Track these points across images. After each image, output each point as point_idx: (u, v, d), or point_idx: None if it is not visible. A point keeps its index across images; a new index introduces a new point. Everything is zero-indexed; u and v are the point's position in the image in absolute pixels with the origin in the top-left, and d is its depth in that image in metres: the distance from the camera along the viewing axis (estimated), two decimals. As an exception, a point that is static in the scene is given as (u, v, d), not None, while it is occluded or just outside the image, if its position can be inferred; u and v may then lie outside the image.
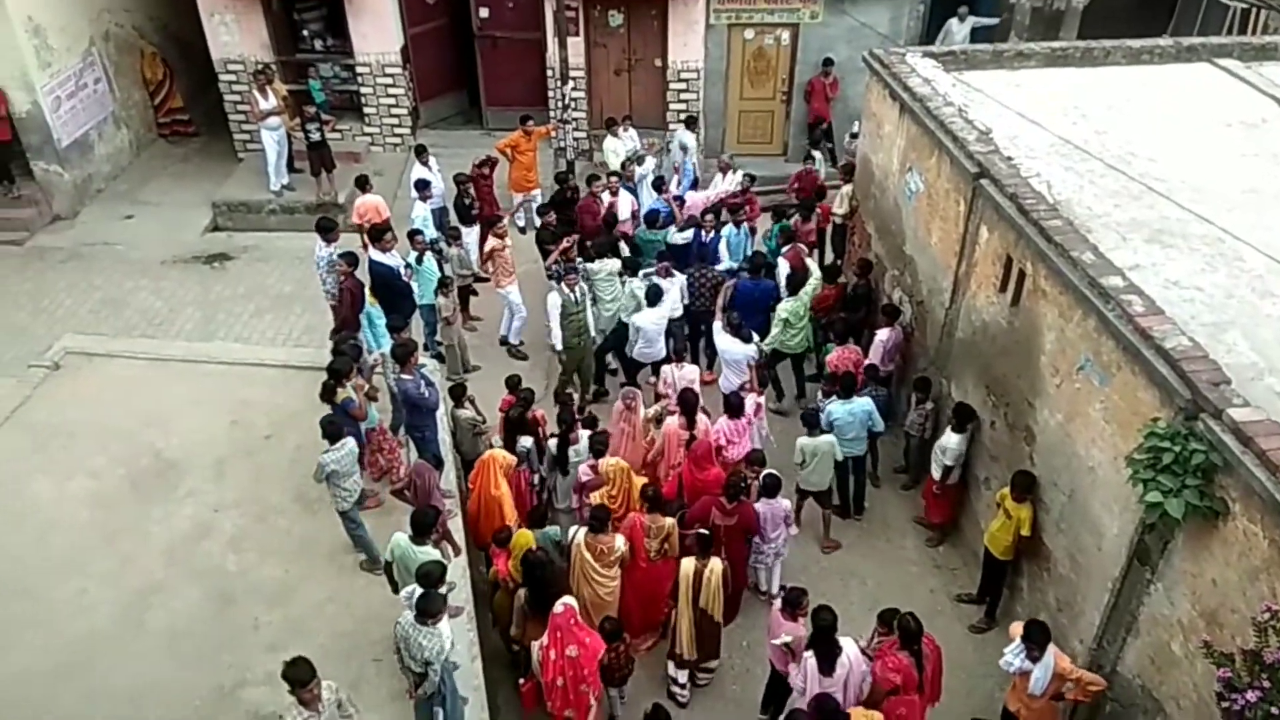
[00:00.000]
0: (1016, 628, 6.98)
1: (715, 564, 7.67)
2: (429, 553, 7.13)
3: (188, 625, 7.86)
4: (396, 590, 7.40)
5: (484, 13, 15.56)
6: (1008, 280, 8.27)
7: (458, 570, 8.09)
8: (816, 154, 13.80)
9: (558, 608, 7.03)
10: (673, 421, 9.08)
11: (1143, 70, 11.18)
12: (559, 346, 10.75)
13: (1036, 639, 6.69)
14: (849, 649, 6.99)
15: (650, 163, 13.65)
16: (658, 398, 9.91)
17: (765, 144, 16.18)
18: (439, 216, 12.75)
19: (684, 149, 14.10)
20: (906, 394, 10.21)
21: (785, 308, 10.54)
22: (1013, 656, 6.85)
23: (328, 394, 8.29)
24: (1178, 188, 8.64)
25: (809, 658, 6.96)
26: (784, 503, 8.58)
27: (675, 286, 10.82)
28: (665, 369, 10.00)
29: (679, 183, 13.48)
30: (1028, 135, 9.43)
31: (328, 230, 10.17)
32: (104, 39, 15.06)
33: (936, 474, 9.14)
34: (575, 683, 7.08)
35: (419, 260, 11.00)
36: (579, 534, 7.89)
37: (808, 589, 7.44)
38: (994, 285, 8.51)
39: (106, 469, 9.20)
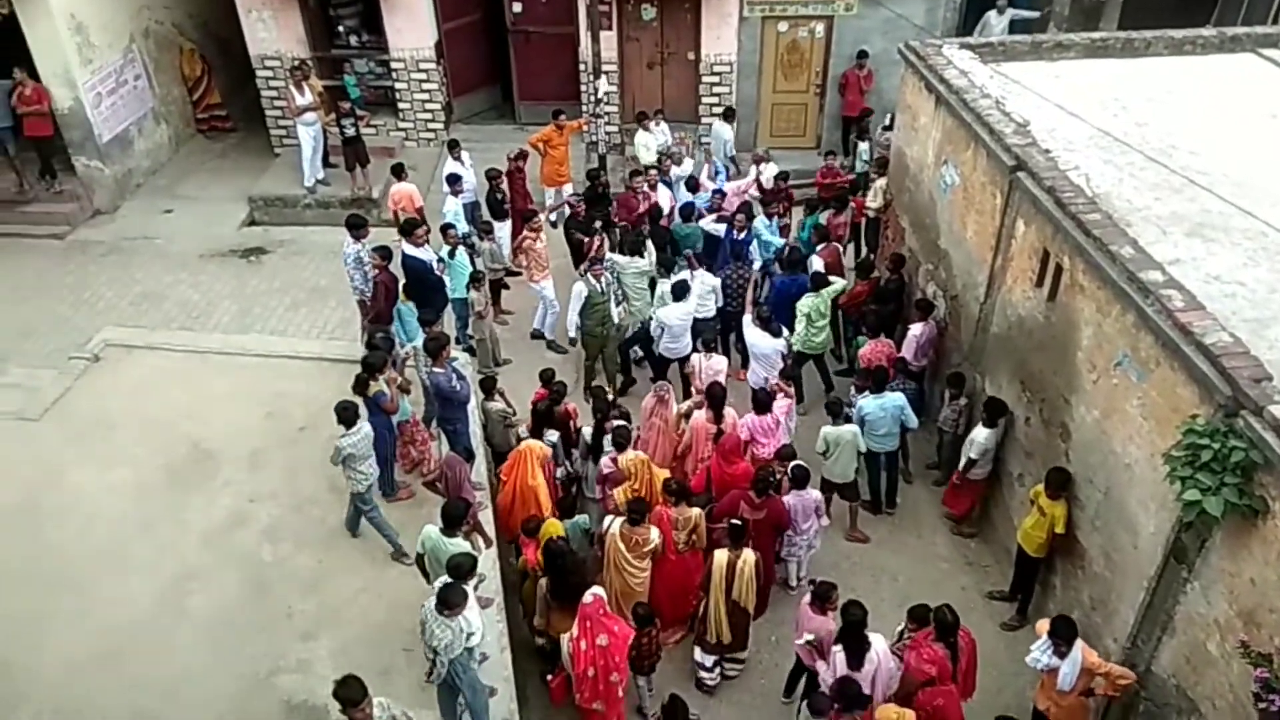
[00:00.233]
0: (1043, 624, 6.93)
1: (748, 554, 7.68)
2: (459, 544, 7.18)
3: (223, 613, 7.99)
4: (429, 581, 7.47)
5: (517, 7, 15.60)
6: (1044, 275, 8.17)
7: (488, 562, 8.15)
8: (863, 145, 13.69)
9: (587, 598, 7.06)
10: (700, 415, 9.08)
11: (1185, 61, 10.98)
12: (571, 334, 10.86)
13: (1063, 634, 6.65)
14: (878, 645, 6.96)
15: (689, 164, 13.62)
16: (688, 393, 9.91)
17: (798, 137, 16.08)
18: (471, 211, 12.82)
19: (722, 141, 14.08)
20: (940, 389, 10.12)
21: (806, 303, 10.50)
22: (1039, 653, 6.80)
23: (360, 387, 8.37)
24: (1220, 181, 8.49)
25: (838, 652, 6.94)
26: (814, 493, 8.59)
27: (698, 282, 10.80)
28: (694, 358, 10.01)
29: (711, 173, 13.42)
30: (1066, 127, 9.30)
31: (357, 227, 10.25)
32: (144, 36, 15.28)
33: (961, 465, 9.10)
34: (605, 672, 7.10)
35: (451, 254, 11.07)
36: (615, 524, 7.91)
37: (837, 584, 7.42)
38: (1030, 280, 8.40)
39: (145, 459, 9.37)
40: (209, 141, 16.77)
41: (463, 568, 6.71)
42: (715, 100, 15.50)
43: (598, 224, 11.99)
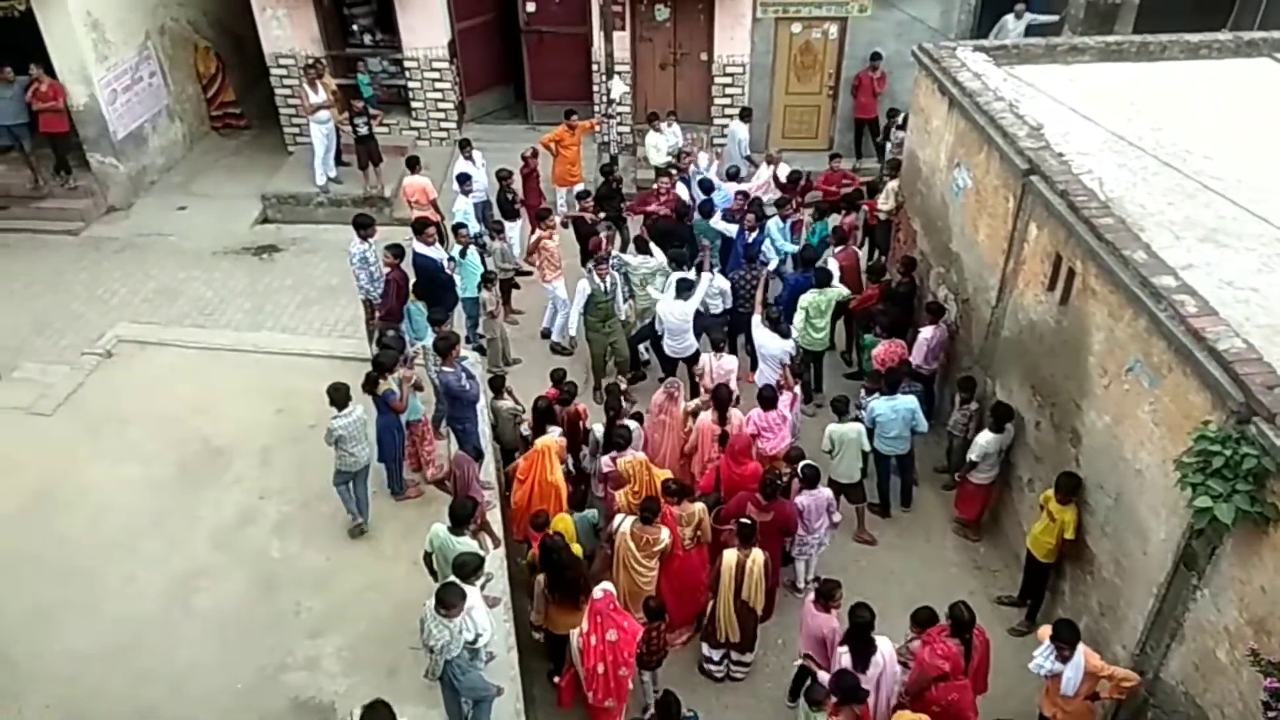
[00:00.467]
0: (1045, 630, 6.92)
1: (757, 554, 7.70)
2: (467, 543, 7.19)
3: (232, 609, 8.02)
4: (437, 579, 7.48)
5: (531, 7, 15.64)
6: (1056, 279, 8.13)
7: (495, 561, 8.16)
8: (900, 133, 13.60)
9: (597, 594, 7.07)
10: (706, 417, 9.08)
11: (1201, 65, 10.92)
12: (572, 331, 10.96)
13: (1066, 638, 6.64)
14: (884, 648, 6.95)
15: (704, 159, 13.62)
16: (696, 393, 9.91)
17: (811, 139, 16.05)
18: (481, 210, 12.84)
19: (738, 141, 14.13)
20: (950, 393, 10.09)
21: (807, 299, 10.50)
22: (1042, 659, 6.78)
23: (370, 385, 8.39)
24: (1235, 186, 8.44)
25: (843, 653, 6.93)
26: (826, 492, 8.61)
27: (707, 283, 10.79)
28: (704, 358, 10.00)
29: (723, 172, 13.38)
30: (1080, 131, 9.26)
31: (364, 226, 10.25)
32: (159, 33, 15.37)
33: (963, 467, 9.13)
34: (615, 667, 7.12)
35: (463, 254, 11.08)
36: (626, 523, 7.92)
37: (844, 586, 7.41)
38: (1042, 284, 8.37)
39: (156, 455, 9.41)
40: (223, 139, 16.86)
41: (468, 566, 6.72)
42: (728, 101, 15.50)
43: (606, 221, 12.03)
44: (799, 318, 10.52)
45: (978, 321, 9.75)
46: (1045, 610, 8.62)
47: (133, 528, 8.67)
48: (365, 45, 15.94)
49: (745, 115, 14.37)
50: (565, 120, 13.50)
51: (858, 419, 9.42)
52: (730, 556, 7.72)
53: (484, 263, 11.42)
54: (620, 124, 15.04)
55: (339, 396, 8.18)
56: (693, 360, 10.59)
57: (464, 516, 7.27)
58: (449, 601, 6.30)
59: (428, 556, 7.48)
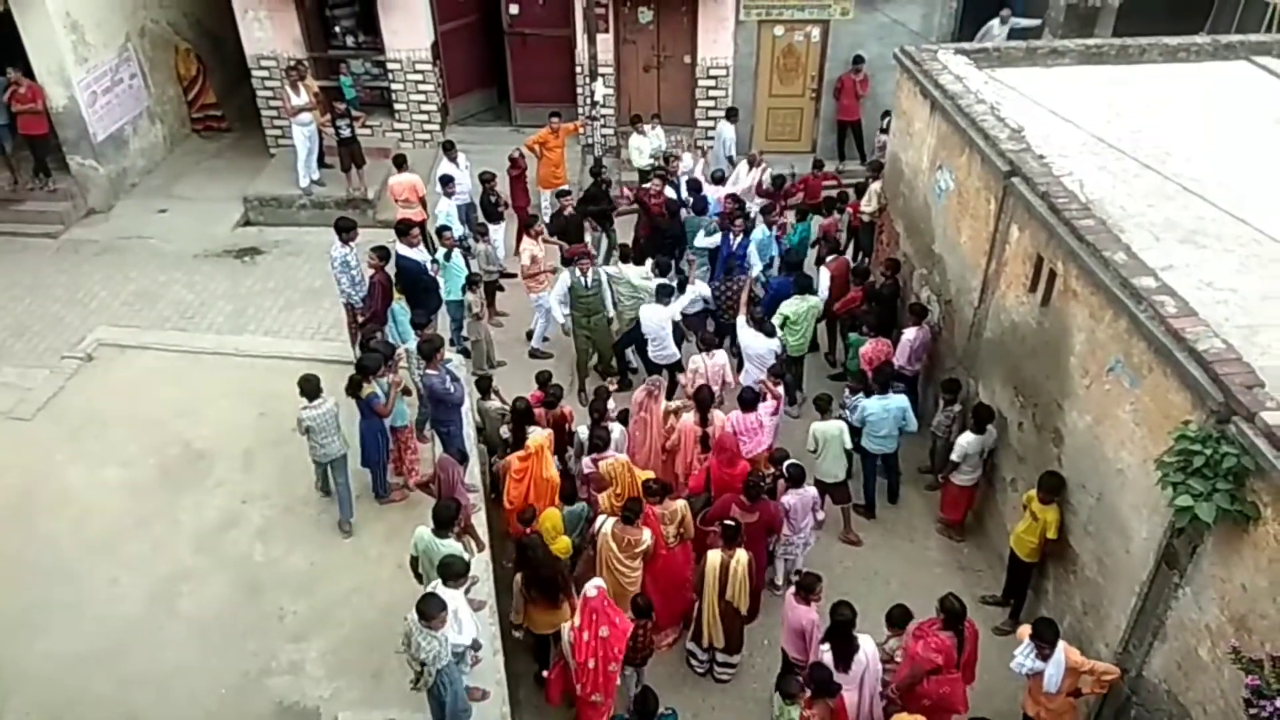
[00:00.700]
0: (1025, 629, 6.96)
1: (741, 555, 7.71)
2: (452, 545, 7.17)
3: (215, 613, 7.97)
4: (422, 582, 7.45)
5: (514, 10, 15.63)
6: (1038, 280, 8.19)
7: (480, 565, 8.14)
8: (884, 136, 13.64)
9: (590, 591, 7.06)
10: (689, 418, 9.10)
11: (1179, 68, 11.02)
12: (559, 318, 11.10)
13: (1046, 637, 6.68)
14: (867, 647, 6.98)
15: (688, 159, 13.65)
16: (672, 393, 9.93)
17: (794, 141, 16.11)
18: (465, 213, 12.82)
19: (723, 141, 14.23)
20: (933, 394, 10.14)
21: (788, 306, 10.54)
22: (1023, 658, 6.81)
23: (354, 389, 8.36)
24: (1213, 188, 8.52)
25: (825, 652, 6.96)
26: (812, 490, 8.65)
27: (691, 292, 10.84)
28: (696, 359, 10.02)
29: (708, 173, 13.41)
30: (1061, 133, 9.33)
31: (345, 230, 10.20)
32: (139, 35, 15.27)
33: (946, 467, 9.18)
34: (605, 663, 7.13)
35: (448, 256, 11.06)
36: (608, 524, 7.92)
37: (830, 586, 7.44)
38: (1024, 285, 8.43)
39: (138, 458, 9.34)
40: (204, 141, 16.76)
41: (454, 568, 6.70)
42: (711, 104, 15.53)
43: (591, 221, 12.08)
44: (778, 320, 10.54)
45: (960, 323, 9.80)
46: (1029, 609, 8.67)
47: (115, 531, 8.60)
48: (348, 47, 15.88)
49: (731, 115, 14.41)
50: (549, 122, 13.50)
51: (841, 417, 9.47)
52: (714, 557, 7.73)
53: (468, 265, 11.39)
54: (604, 126, 15.06)
55: (309, 387, 8.34)
56: (675, 368, 10.61)
57: (447, 519, 7.25)
58: (428, 613, 6.26)
59: (414, 560, 7.45)
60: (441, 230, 11.40)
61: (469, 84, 16.67)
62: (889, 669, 7.23)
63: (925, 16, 14.98)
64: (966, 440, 8.89)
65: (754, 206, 12.60)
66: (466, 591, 7.16)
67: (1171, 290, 6.74)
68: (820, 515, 8.97)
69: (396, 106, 15.87)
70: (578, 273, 10.72)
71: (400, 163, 12.84)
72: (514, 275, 12.36)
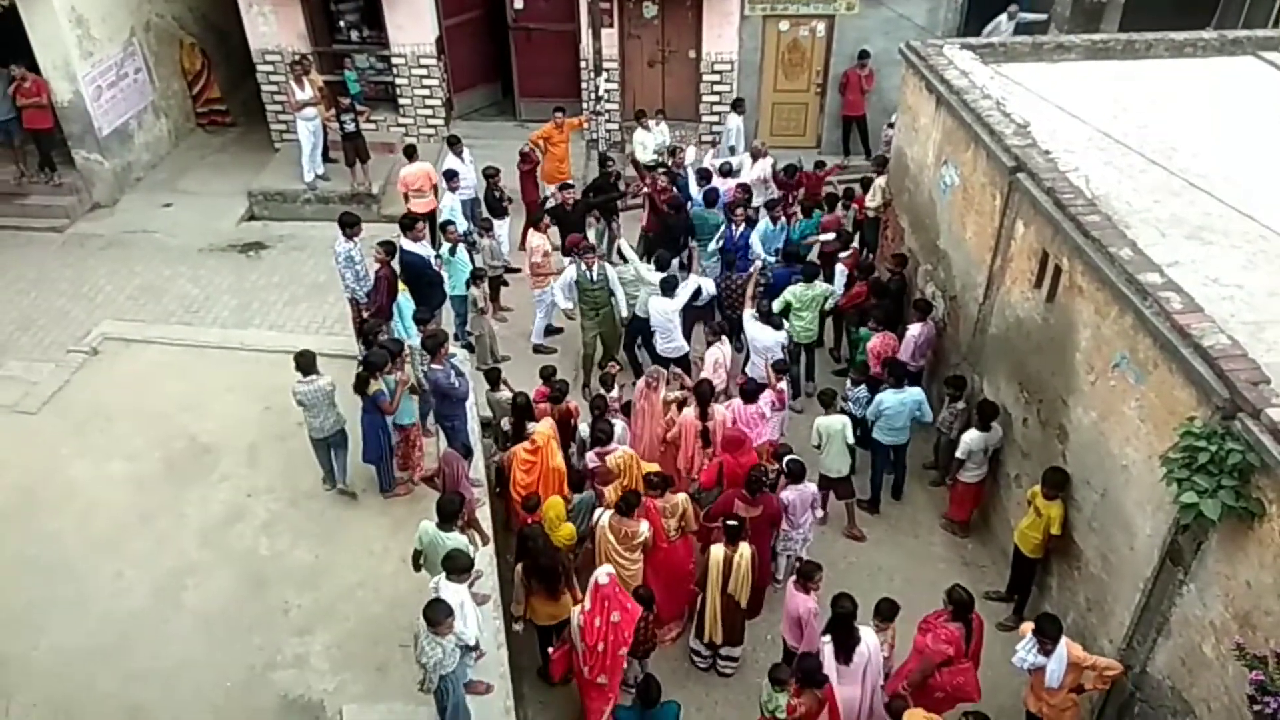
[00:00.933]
0: (1027, 625, 6.96)
1: (744, 549, 7.73)
2: (457, 539, 7.19)
3: (220, 607, 8.00)
4: (425, 570, 7.46)
5: (519, 4, 15.60)
6: (1043, 276, 8.17)
7: (484, 558, 8.15)
8: (890, 131, 13.65)
9: (602, 577, 7.09)
10: (689, 412, 9.11)
11: (1186, 63, 10.98)
12: (564, 306, 11.14)
13: (1049, 633, 6.67)
14: (868, 639, 6.99)
15: (692, 152, 13.64)
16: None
17: (798, 136, 16.08)
18: (470, 208, 12.82)
19: (730, 131, 14.23)
20: (938, 390, 10.13)
21: (792, 291, 10.55)
22: (1025, 653, 6.81)
23: (361, 385, 8.37)
24: (1220, 184, 8.49)
25: (827, 643, 6.97)
26: (811, 487, 8.65)
27: (693, 282, 10.83)
28: (714, 351, 10.03)
29: (715, 165, 13.40)
30: (1067, 129, 9.30)
31: (349, 225, 10.22)
32: (144, 29, 15.27)
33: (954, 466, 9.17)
34: (615, 647, 7.16)
35: (452, 252, 11.06)
36: (604, 516, 7.95)
37: (834, 582, 7.45)
38: (1029, 281, 8.41)
39: (143, 452, 9.37)
40: (209, 136, 16.76)
41: (458, 562, 6.71)
42: (716, 99, 15.51)
43: (596, 213, 12.07)
44: (779, 306, 10.53)
45: (965, 319, 9.79)
46: (1033, 605, 8.66)
47: (120, 526, 8.63)
48: (352, 42, 15.86)
49: (738, 106, 14.40)
50: (553, 118, 13.49)
51: (843, 410, 9.47)
52: (717, 552, 7.76)
53: (472, 260, 11.40)
54: (608, 121, 15.03)
55: (303, 362, 8.48)
56: (682, 362, 10.61)
57: (451, 512, 7.26)
58: (435, 619, 6.27)
59: (416, 554, 7.46)
60: (445, 225, 11.40)
61: (473, 79, 16.66)
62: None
63: (931, 11, 14.93)
64: (971, 438, 8.89)
65: (760, 199, 12.60)
66: (470, 586, 7.17)
67: (1177, 286, 6.73)
68: (820, 512, 8.98)
69: (401, 101, 15.86)
70: (583, 266, 10.72)
71: (411, 153, 12.93)
72: (518, 270, 12.36)
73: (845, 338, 11.72)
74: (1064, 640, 6.73)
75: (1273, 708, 5.13)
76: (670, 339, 10.61)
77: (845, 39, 15.12)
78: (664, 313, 10.47)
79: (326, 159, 14.77)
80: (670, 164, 13.09)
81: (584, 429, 9.08)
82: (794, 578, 7.63)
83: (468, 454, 8.90)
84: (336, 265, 10.41)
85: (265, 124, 15.99)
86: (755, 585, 7.97)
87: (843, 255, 11.43)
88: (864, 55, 14.86)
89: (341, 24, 15.79)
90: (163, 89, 15.81)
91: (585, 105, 15.16)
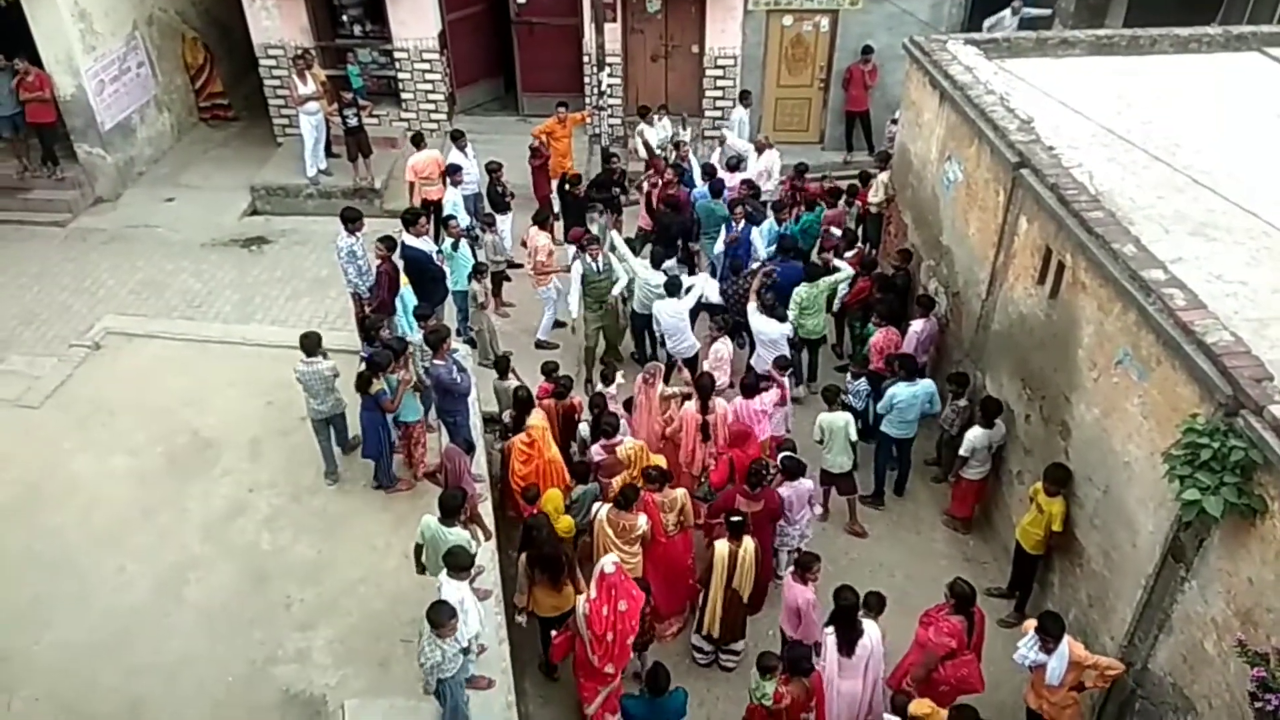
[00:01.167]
0: (1029, 623, 6.95)
1: (748, 543, 7.75)
2: (459, 534, 7.19)
3: (222, 602, 8.01)
4: (423, 571, 7.47)
5: (522, -1, 15.59)
6: (1046, 272, 8.16)
7: (486, 554, 8.16)
8: (894, 127, 13.64)
9: (608, 566, 7.09)
10: (690, 406, 9.12)
11: (1190, 59, 10.96)
12: (574, 314, 11.05)
13: (1052, 631, 6.66)
14: (872, 632, 7.01)
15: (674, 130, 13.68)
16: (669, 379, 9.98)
17: (802, 132, 16.05)
18: (473, 203, 12.81)
19: (736, 123, 14.24)
20: (940, 387, 10.11)
21: (800, 291, 10.55)
22: (1027, 650, 6.82)
23: (363, 385, 8.37)
24: (1224, 180, 8.46)
25: (830, 635, 6.98)
26: (807, 483, 8.64)
27: (701, 281, 10.84)
28: (715, 345, 10.05)
29: (724, 160, 13.40)
30: (1070, 125, 9.28)
31: (351, 220, 10.21)
32: (147, 23, 15.26)
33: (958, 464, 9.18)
34: (623, 636, 7.18)
35: (455, 246, 11.05)
36: (602, 510, 7.96)
37: (835, 578, 7.45)
38: (1032, 277, 8.40)
39: (145, 447, 9.38)
40: (211, 130, 16.75)
41: (460, 560, 6.71)
42: (719, 94, 15.48)
43: (600, 205, 12.06)
44: (792, 311, 10.55)
45: (968, 315, 9.78)
46: (1034, 602, 8.67)
47: (122, 520, 8.64)
48: (355, 36, 15.84)
49: (745, 98, 14.37)
50: (556, 112, 13.47)
51: (846, 406, 9.47)
52: (722, 547, 7.76)
53: (475, 255, 11.39)
54: (611, 116, 15.01)
55: (308, 343, 8.59)
56: (691, 363, 10.61)
57: (454, 507, 7.26)
58: (438, 620, 6.27)
59: (418, 549, 7.47)
60: (447, 219, 11.39)
61: (476, 73, 16.64)
62: None
63: (934, 6, 14.90)
64: (975, 435, 8.87)
65: (768, 195, 12.61)
66: (472, 582, 7.17)
67: (1181, 283, 6.72)
68: (818, 509, 8.99)
69: (403, 96, 15.84)
70: (588, 259, 10.72)
71: (419, 140, 12.99)
72: (521, 265, 12.35)
73: (849, 333, 11.71)
74: (1066, 639, 6.73)
75: (1274, 704, 5.12)
76: (683, 339, 10.60)
77: (849, 34, 15.09)
78: (675, 314, 10.46)
79: (329, 154, 14.77)
80: (675, 157, 13.09)
81: (584, 428, 9.08)
82: (792, 569, 7.68)
83: (470, 449, 8.92)
84: (339, 260, 10.40)
85: (268, 119, 15.98)
86: (758, 580, 7.98)
87: (848, 255, 11.41)
88: (867, 50, 14.83)
89: (344, 18, 15.77)
90: (165, 83, 15.80)
91: (588, 100, 15.14)
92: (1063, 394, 7.98)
